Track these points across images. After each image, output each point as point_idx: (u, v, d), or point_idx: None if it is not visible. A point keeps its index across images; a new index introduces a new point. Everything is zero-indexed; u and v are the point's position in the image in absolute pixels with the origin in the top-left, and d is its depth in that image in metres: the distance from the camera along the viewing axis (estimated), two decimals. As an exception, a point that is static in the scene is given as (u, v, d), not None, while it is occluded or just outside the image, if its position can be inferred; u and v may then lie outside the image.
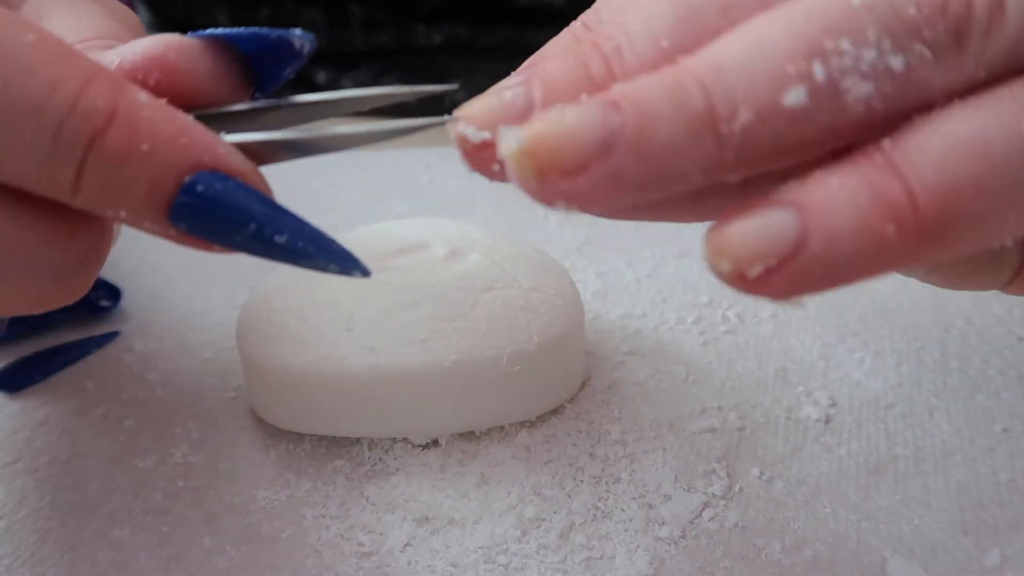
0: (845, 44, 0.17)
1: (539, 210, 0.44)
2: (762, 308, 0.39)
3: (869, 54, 0.17)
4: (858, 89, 0.17)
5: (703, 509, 0.29)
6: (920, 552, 0.28)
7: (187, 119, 0.19)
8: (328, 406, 0.31)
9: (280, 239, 0.19)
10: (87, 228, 0.20)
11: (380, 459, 0.32)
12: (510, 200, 0.48)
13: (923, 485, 0.30)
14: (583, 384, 0.35)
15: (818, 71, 0.17)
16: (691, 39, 0.19)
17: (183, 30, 0.24)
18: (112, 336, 0.38)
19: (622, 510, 0.29)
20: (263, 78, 0.22)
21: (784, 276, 0.17)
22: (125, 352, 0.37)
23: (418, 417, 0.31)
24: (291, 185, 0.39)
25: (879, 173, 0.17)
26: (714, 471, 0.31)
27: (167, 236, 0.20)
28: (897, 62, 0.17)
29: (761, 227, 0.17)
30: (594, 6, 0.22)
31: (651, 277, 0.42)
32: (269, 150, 0.21)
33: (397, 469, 0.31)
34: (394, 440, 0.32)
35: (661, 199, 0.18)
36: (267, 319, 0.32)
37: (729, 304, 0.39)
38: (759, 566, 0.27)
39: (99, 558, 0.28)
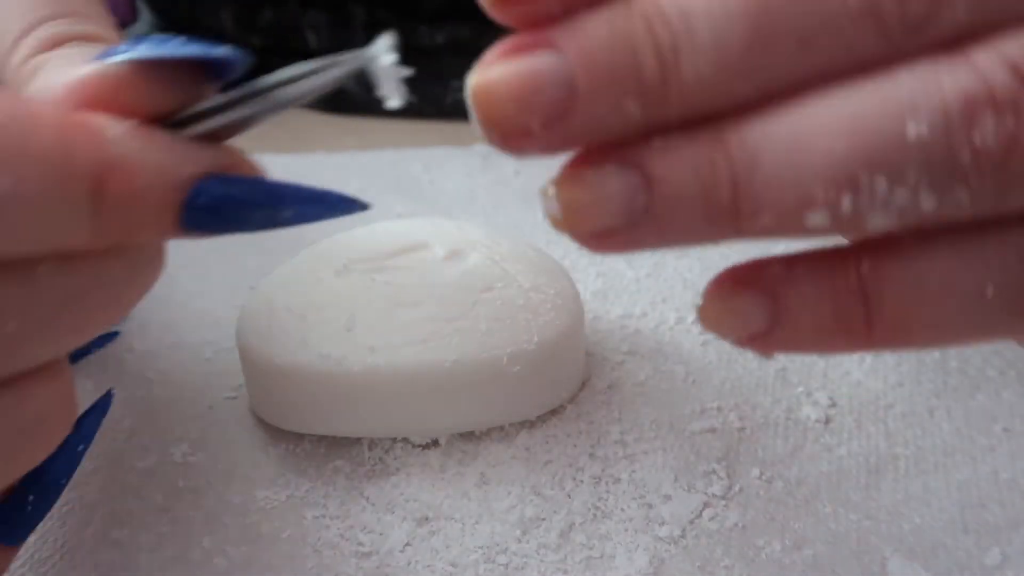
0: (881, 182, 0.17)
1: (539, 210, 0.44)
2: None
3: (902, 195, 0.17)
4: (880, 221, 0.17)
5: (703, 509, 0.29)
6: (921, 551, 0.28)
7: (162, 137, 0.20)
8: (328, 406, 0.31)
9: (287, 213, 0.21)
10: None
11: (380, 459, 0.32)
12: (510, 200, 0.48)
13: (923, 484, 0.30)
14: (583, 384, 0.35)
15: (846, 204, 0.17)
16: (758, 68, 0.17)
17: (187, 32, 0.24)
18: (112, 336, 0.38)
19: (622, 510, 0.29)
20: (212, 77, 0.22)
21: (756, 345, 0.20)
22: (125, 352, 0.37)
23: (418, 417, 0.31)
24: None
25: (848, 297, 0.19)
26: (714, 471, 0.31)
27: (191, 237, 0.21)
28: (929, 203, 0.17)
29: (742, 314, 0.20)
30: None
31: (651, 277, 0.42)
32: (236, 127, 0.21)
33: (397, 469, 0.31)
34: (394, 440, 0.32)
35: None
36: (267, 319, 0.32)
37: (729, 304, 0.39)
38: (759, 565, 0.27)
39: (99, 558, 0.28)
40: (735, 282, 0.20)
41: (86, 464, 0.32)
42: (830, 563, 0.27)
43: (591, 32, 0.17)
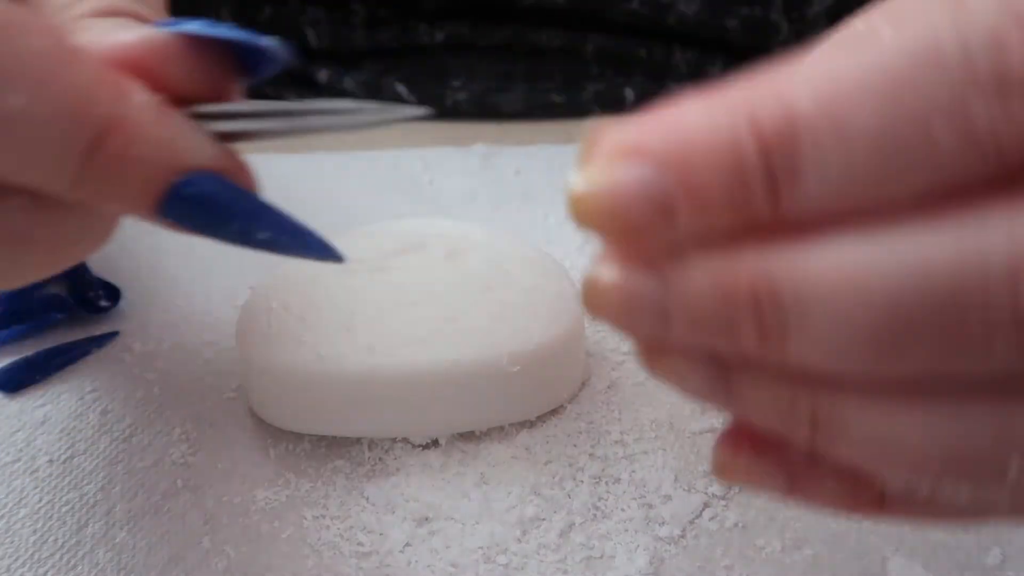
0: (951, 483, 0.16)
1: (539, 210, 0.44)
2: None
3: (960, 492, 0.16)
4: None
5: (703, 509, 0.29)
6: (921, 551, 0.28)
7: (180, 120, 0.20)
8: (328, 406, 0.31)
9: (262, 235, 0.21)
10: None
11: (380, 459, 0.32)
12: (510, 200, 0.48)
13: (923, 485, 0.30)
14: (583, 384, 0.35)
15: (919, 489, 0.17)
16: (883, 201, 0.14)
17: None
18: (112, 336, 0.38)
19: (622, 510, 0.29)
20: (247, 72, 0.22)
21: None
22: (125, 352, 0.37)
23: (418, 417, 0.31)
24: (290, 184, 0.39)
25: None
26: (714, 471, 0.31)
27: (159, 224, 0.21)
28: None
29: (757, 476, 0.19)
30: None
31: (651, 277, 0.42)
32: (250, 136, 0.22)
33: (397, 469, 0.31)
34: (394, 440, 0.32)
35: None
36: (267, 319, 0.32)
37: (729, 304, 0.39)
38: (759, 565, 0.27)
39: (99, 558, 0.28)
40: (753, 444, 0.19)
41: (86, 464, 0.32)
42: (830, 563, 0.27)
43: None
